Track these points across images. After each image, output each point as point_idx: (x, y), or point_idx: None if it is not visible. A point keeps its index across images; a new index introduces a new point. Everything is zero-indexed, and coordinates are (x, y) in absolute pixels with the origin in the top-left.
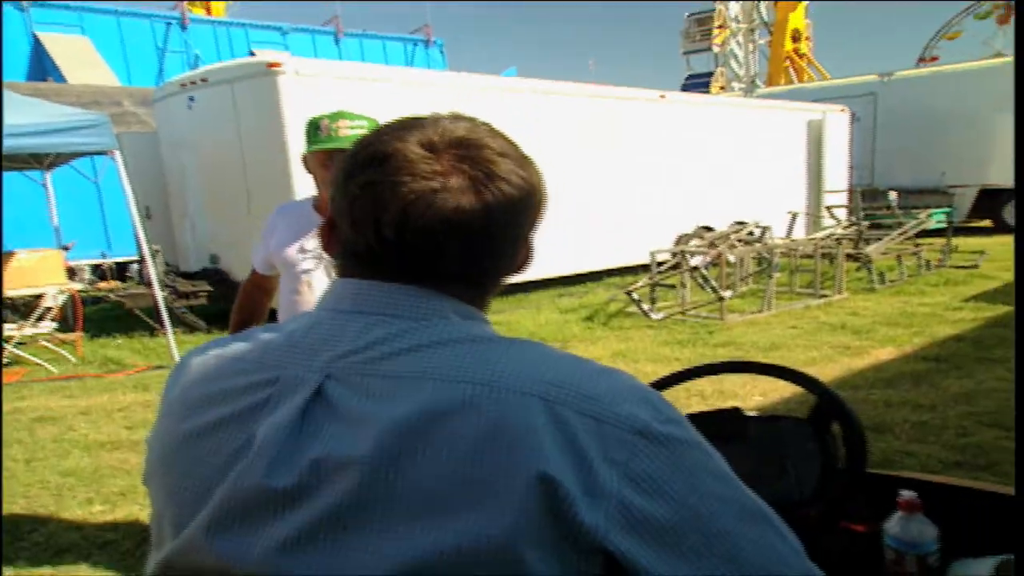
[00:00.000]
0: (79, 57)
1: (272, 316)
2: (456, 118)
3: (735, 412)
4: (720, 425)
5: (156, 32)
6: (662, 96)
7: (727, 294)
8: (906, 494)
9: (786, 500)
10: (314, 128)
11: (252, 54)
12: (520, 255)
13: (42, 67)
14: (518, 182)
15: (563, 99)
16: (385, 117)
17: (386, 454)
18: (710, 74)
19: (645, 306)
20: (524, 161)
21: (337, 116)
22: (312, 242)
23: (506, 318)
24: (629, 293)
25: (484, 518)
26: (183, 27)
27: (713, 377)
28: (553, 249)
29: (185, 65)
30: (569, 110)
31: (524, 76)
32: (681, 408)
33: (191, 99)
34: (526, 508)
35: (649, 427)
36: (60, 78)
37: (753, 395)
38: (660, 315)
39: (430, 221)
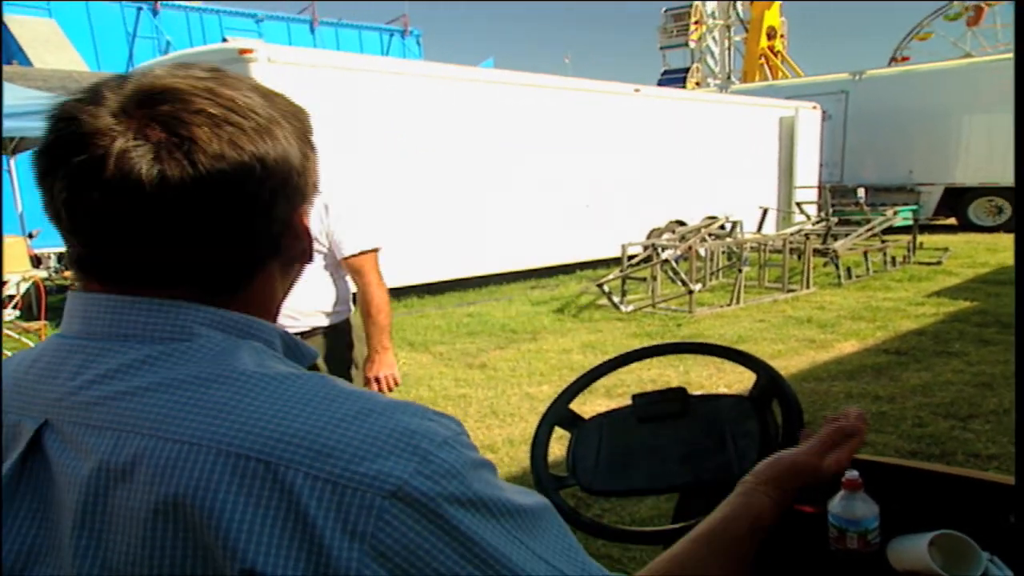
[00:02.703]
0: (46, 40)
1: None
2: (172, 66)
3: (680, 392)
4: (666, 404)
5: (126, 16)
6: (637, 90)
7: (697, 287)
8: (849, 473)
9: (725, 473)
10: None
11: (225, 41)
12: (283, 242)
13: (7, 50)
14: (224, 148)
15: (540, 91)
16: (358, 106)
17: (72, 539)
18: (686, 70)
19: (616, 298)
20: (254, 122)
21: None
22: None
23: (477, 309)
24: (600, 286)
25: None
26: (154, 12)
27: (680, 369)
28: (526, 242)
29: (156, 51)
30: (545, 102)
31: (501, 68)
32: None
33: None
34: None
35: (406, 487)
36: (25, 61)
37: (719, 387)
38: (630, 307)
39: (100, 198)
